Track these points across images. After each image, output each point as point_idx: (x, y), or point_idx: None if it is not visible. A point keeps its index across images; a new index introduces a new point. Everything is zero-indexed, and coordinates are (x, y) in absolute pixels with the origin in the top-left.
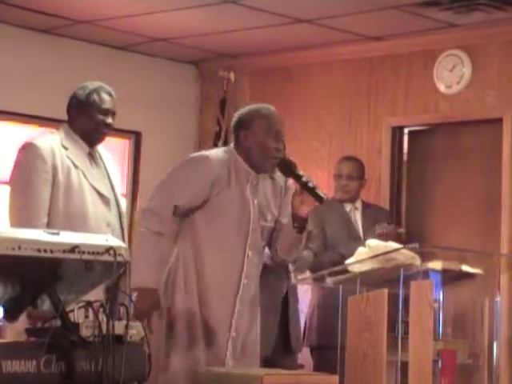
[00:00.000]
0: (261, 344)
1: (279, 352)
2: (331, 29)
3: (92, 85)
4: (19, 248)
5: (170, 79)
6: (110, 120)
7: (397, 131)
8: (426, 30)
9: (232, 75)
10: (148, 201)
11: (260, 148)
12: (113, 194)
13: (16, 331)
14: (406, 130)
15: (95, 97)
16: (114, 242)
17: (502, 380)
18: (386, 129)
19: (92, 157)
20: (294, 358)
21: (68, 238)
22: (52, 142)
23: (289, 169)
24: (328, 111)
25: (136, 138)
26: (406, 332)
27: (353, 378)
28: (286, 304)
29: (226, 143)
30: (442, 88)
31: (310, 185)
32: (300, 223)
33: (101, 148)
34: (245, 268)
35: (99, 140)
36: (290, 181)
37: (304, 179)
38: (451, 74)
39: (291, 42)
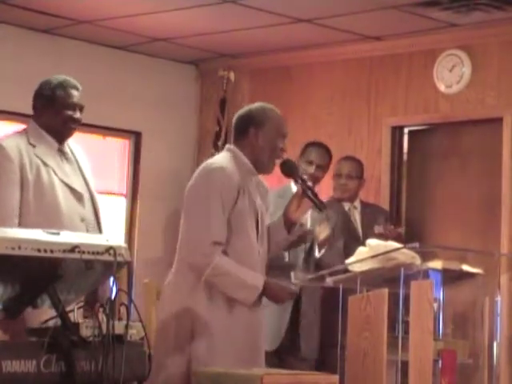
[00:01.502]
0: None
1: (289, 355)
2: (331, 29)
3: (56, 79)
4: (19, 248)
5: (170, 79)
6: (78, 115)
7: (397, 131)
8: (426, 30)
9: (232, 75)
10: (189, 247)
11: (269, 147)
12: (86, 189)
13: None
14: (405, 130)
15: (61, 92)
16: (114, 241)
17: (502, 380)
18: (386, 129)
19: (62, 152)
20: (306, 365)
21: (68, 237)
22: (18, 140)
23: (295, 171)
24: (328, 111)
25: (136, 138)
26: (406, 332)
27: (353, 377)
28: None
29: (225, 143)
30: (442, 88)
31: (314, 190)
32: (289, 226)
33: (71, 142)
34: (258, 266)
35: (68, 135)
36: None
37: (309, 184)
38: (451, 74)
39: (291, 41)
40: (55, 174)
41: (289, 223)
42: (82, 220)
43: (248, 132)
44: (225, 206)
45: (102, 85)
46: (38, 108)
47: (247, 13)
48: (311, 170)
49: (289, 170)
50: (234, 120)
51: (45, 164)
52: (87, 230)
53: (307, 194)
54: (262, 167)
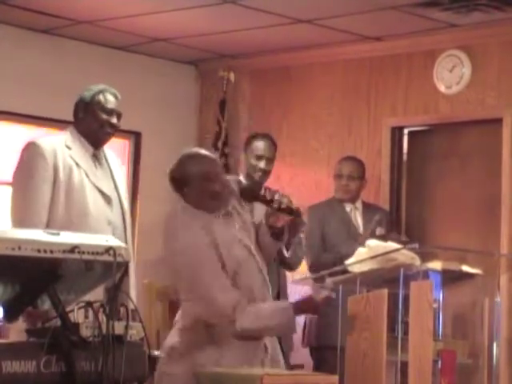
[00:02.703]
0: None
1: None
2: (331, 29)
3: (97, 87)
4: (19, 248)
5: (170, 79)
6: (114, 120)
7: (397, 131)
8: (426, 30)
9: (232, 75)
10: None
11: (206, 195)
12: (116, 194)
13: (19, 330)
14: (405, 131)
15: (100, 97)
16: (114, 242)
17: (501, 380)
18: (386, 129)
19: (97, 158)
20: (286, 357)
21: (68, 238)
22: (55, 141)
23: (253, 195)
24: (328, 111)
25: (136, 138)
26: (405, 332)
27: (352, 377)
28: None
29: (225, 143)
30: (441, 88)
31: (283, 206)
32: (278, 235)
33: (108, 150)
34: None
35: (104, 140)
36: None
37: (275, 205)
38: (451, 75)
39: (291, 41)
40: (87, 176)
41: (275, 231)
42: (109, 223)
43: (184, 193)
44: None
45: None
46: (77, 113)
47: (247, 13)
48: (262, 164)
49: (249, 194)
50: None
51: (78, 166)
52: (113, 234)
53: (279, 210)
54: (213, 211)
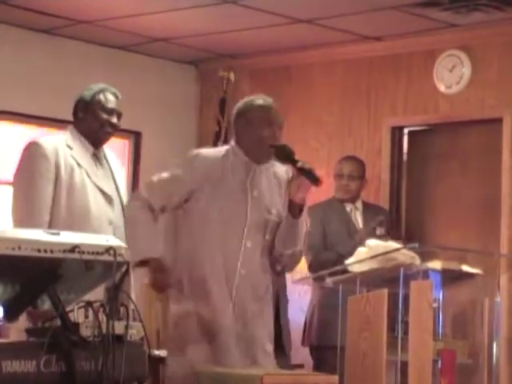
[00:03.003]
0: None
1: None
2: (331, 29)
3: (97, 86)
4: (19, 248)
5: (169, 79)
6: (115, 120)
7: (397, 131)
8: (426, 30)
9: (232, 75)
10: (139, 191)
11: (255, 138)
12: (117, 194)
13: (19, 330)
14: (405, 130)
15: (101, 97)
16: (114, 241)
17: (501, 380)
18: (386, 129)
19: (97, 158)
20: (287, 359)
21: (68, 237)
22: (56, 141)
23: (284, 155)
24: (328, 111)
25: (136, 138)
26: (405, 332)
27: (352, 377)
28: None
29: (225, 143)
30: (441, 88)
31: (306, 167)
32: (295, 209)
33: (107, 150)
34: (241, 257)
35: (104, 139)
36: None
37: (299, 164)
38: (451, 74)
39: (291, 41)
40: (88, 176)
41: (293, 206)
42: (110, 223)
43: (237, 127)
44: (180, 182)
45: None
46: (77, 113)
47: (247, 13)
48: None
49: (280, 154)
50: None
51: (79, 165)
52: (114, 234)
53: (302, 171)
54: (255, 157)
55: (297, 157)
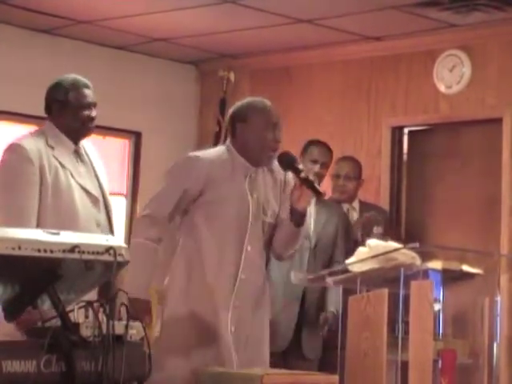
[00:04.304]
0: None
1: (293, 355)
2: (331, 29)
3: (67, 81)
4: (19, 248)
5: (170, 79)
6: (93, 113)
7: (397, 131)
8: (426, 30)
9: (232, 75)
10: (144, 208)
11: (257, 141)
12: (100, 192)
13: (6, 334)
14: (405, 130)
15: (75, 94)
16: (115, 241)
17: (501, 380)
18: (386, 129)
19: (78, 154)
20: (309, 365)
21: (68, 237)
22: (38, 142)
23: (288, 163)
24: (328, 111)
25: (136, 138)
26: (406, 332)
27: (353, 377)
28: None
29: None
30: (442, 88)
31: (310, 179)
32: (298, 217)
33: (86, 144)
34: (242, 263)
35: (86, 135)
36: (290, 175)
37: (303, 174)
38: (451, 74)
39: (291, 41)
40: (72, 176)
41: (295, 214)
42: (98, 225)
43: (236, 129)
44: (181, 190)
45: (102, 85)
46: (54, 111)
47: (247, 13)
48: (316, 168)
49: (285, 162)
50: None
51: (63, 166)
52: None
53: (305, 183)
54: (255, 161)
55: (300, 165)
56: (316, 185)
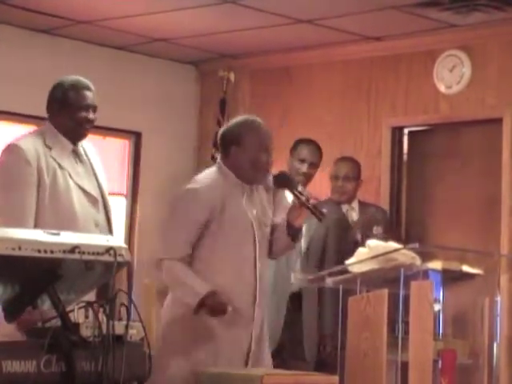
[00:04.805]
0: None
1: (291, 356)
2: (331, 29)
3: (68, 81)
4: (19, 248)
5: (169, 79)
6: (91, 116)
7: (397, 131)
8: (426, 30)
9: (232, 75)
10: (162, 251)
11: (251, 163)
12: (99, 192)
13: (4, 335)
14: (405, 130)
15: (74, 94)
16: (115, 242)
17: (501, 380)
18: (386, 129)
19: (76, 154)
20: (308, 367)
21: (68, 238)
22: (36, 142)
23: (288, 187)
24: (328, 111)
25: (136, 138)
26: (406, 332)
27: (353, 377)
28: (299, 306)
29: None
30: (442, 88)
31: (310, 203)
32: (294, 232)
33: (85, 144)
34: (258, 284)
35: (82, 137)
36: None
37: (303, 199)
38: (451, 74)
39: (291, 42)
40: (70, 177)
41: (292, 229)
42: (97, 225)
43: (230, 151)
44: (192, 227)
45: (102, 85)
46: (52, 111)
47: (247, 13)
48: (304, 168)
49: (283, 183)
50: (218, 137)
51: (61, 167)
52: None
53: (305, 205)
54: (249, 181)
55: (300, 188)
56: (315, 208)
